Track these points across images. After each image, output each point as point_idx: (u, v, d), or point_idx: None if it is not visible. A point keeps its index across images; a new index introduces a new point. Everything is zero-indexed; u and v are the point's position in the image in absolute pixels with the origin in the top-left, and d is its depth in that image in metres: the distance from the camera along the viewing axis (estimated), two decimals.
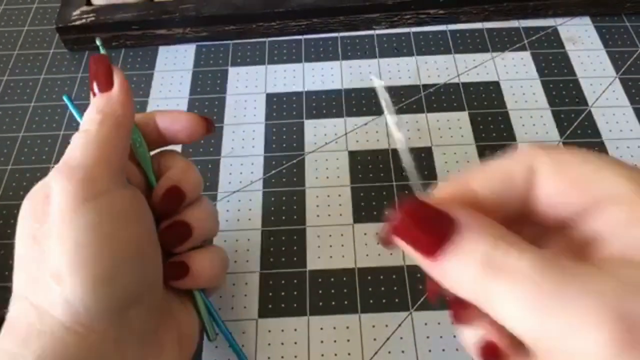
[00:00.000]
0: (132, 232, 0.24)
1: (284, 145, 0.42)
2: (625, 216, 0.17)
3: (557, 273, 0.16)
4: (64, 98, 0.29)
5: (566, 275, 0.16)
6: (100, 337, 0.23)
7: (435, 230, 0.18)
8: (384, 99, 0.22)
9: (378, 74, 0.46)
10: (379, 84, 0.24)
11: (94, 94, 0.26)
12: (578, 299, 0.16)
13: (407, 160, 0.21)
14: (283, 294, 0.35)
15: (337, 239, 0.37)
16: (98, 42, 0.29)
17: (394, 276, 0.36)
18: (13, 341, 0.23)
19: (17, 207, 0.40)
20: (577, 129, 0.42)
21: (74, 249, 0.22)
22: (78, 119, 0.28)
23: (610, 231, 0.18)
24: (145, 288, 0.25)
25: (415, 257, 0.19)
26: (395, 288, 0.35)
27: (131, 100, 0.27)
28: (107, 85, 0.26)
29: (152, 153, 0.30)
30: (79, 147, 0.25)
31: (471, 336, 0.21)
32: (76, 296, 0.22)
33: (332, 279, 0.36)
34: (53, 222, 0.23)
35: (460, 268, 0.18)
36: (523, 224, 0.20)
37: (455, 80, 0.45)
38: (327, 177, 0.40)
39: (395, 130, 0.21)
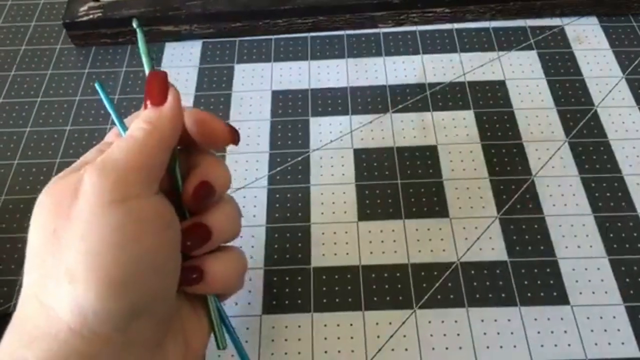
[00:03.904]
0: (155, 240, 0.24)
1: (289, 142, 0.42)
2: None
3: None
4: (96, 85, 0.28)
5: None
6: (105, 344, 0.22)
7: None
8: None
9: (384, 72, 0.46)
10: None
11: (146, 107, 0.26)
12: None
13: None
14: (287, 290, 0.36)
15: (341, 237, 0.37)
16: (135, 24, 0.28)
17: (397, 274, 0.36)
18: (16, 343, 0.22)
19: (24, 202, 0.40)
20: (583, 128, 0.42)
21: (94, 250, 0.22)
22: (109, 109, 0.27)
23: None
24: (159, 299, 0.25)
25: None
26: (399, 286, 0.35)
27: (181, 119, 0.26)
28: (160, 100, 0.26)
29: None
30: (121, 149, 0.24)
31: None
32: (87, 299, 0.22)
33: (336, 276, 0.36)
34: (78, 218, 0.22)
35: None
36: None
37: (461, 79, 0.45)
38: (332, 175, 0.40)
39: None
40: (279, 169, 0.41)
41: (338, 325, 0.34)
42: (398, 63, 0.46)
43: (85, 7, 0.47)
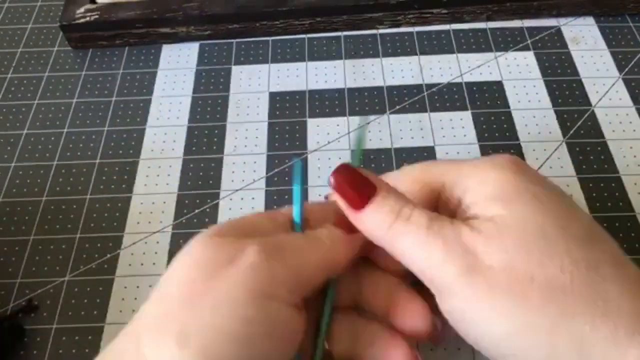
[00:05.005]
0: (271, 349, 0.23)
1: (287, 144, 0.42)
2: (481, 192, 0.25)
3: (438, 225, 0.24)
4: (296, 164, 0.27)
5: (442, 227, 0.24)
6: None
7: (360, 189, 0.25)
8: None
9: (381, 73, 0.46)
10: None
11: (337, 220, 0.26)
12: (446, 240, 0.23)
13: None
14: None
15: None
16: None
17: None
18: None
19: (20, 205, 0.40)
20: (580, 129, 0.42)
21: (218, 326, 0.22)
22: (297, 196, 0.26)
23: (471, 201, 0.25)
24: None
25: (344, 209, 0.25)
26: None
27: (355, 255, 0.26)
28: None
29: None
30: (298, 244, 0.24)
31: None
32: None
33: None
34: (219, 289, 0.22)
35: (375, 218, 0.24)
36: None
37: (459, 80, 0.45)
38: None
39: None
40: (276, 170, 0.41)
41: None
42: (395, 64, 0.46)
43: (82, 10, 0.47)
